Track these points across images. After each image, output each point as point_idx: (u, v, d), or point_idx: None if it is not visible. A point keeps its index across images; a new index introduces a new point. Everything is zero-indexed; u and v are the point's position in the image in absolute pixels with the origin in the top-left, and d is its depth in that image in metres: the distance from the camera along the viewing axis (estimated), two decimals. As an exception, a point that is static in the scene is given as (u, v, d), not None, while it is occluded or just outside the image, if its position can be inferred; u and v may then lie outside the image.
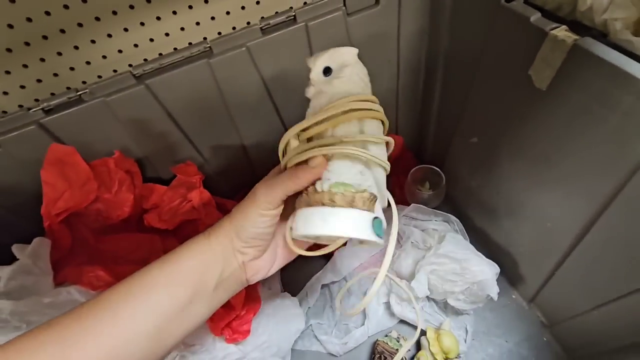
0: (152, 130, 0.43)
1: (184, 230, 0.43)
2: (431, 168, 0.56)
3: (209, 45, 0.40)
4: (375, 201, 0.26)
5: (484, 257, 0.44)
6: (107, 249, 0.41)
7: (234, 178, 0.54)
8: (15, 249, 0.34)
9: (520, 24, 0.32)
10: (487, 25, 0.37)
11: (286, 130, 0.51)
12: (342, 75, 0.27)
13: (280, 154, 0.30)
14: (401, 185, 0.58)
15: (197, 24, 0.54)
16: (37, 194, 0.38)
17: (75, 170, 0.35)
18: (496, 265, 0.43)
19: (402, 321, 0.47)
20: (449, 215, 0.52)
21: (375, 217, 0.26)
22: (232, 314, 0.36)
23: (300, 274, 0.53)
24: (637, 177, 0.27)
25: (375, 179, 0.27)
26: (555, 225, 0.37)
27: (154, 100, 0.41)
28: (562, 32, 0.29)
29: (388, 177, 0.28)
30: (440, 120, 0.54)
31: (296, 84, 0.48)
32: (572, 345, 0.42)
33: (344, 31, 0.44)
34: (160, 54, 0.41)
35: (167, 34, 0.53)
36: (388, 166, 0.28)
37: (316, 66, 0.28)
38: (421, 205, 0.51)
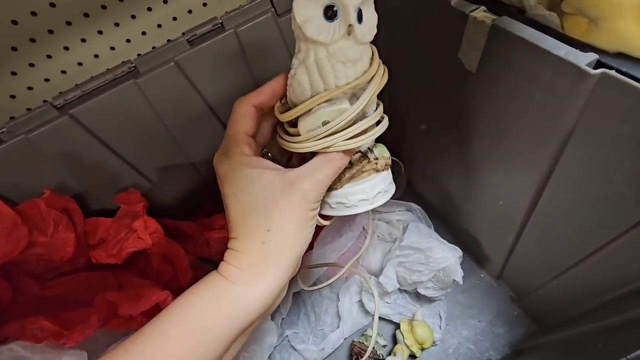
0: (88, 162, 0.40)
1: (137, 262, 0.41)
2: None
3: (133, 64, 0.38)
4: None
5: (446, 243, 0.44)
6: (55, 295, 0.38)
7: (189, 198, 0.52)
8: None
9: (443, 8, 0.32)
10: (415, 11, 0.36)
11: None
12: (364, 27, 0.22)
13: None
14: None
15: (128, 41, 0.51)
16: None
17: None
18: (458, 249, 0.43)
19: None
20: (411, 204, 0.52)
21: None
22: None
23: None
24: (569, 149, 0.27)
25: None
26: (507, 202, 0.37)
27: (83, 130, 0.38)
28: (480, 13, 0.29)
29: None
30: (392, 110, 0.54)
31: (239, 94, 0.47)
32: (540, 315, 0.43)
33: (277, 33, 0.43)
34: (76, 85, 0.39)
35: (96, 56, 0.50)
36: None
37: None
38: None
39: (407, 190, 0.55)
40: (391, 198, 0.52)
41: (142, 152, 0.43)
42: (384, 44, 0.45)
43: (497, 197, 0.38)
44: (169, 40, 0.39)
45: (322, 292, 0.49)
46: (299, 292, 0.50)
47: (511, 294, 0.46)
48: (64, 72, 0.49)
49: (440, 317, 0.46)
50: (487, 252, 0.47)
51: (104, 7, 0.46)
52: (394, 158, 0.56)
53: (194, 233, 0.48)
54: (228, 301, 0.21)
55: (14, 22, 0.42)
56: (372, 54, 0.24)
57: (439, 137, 0.43)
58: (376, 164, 0.26)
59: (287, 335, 0.47)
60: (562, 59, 0.24)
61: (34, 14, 0.43)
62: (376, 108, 0.27)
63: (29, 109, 0.48)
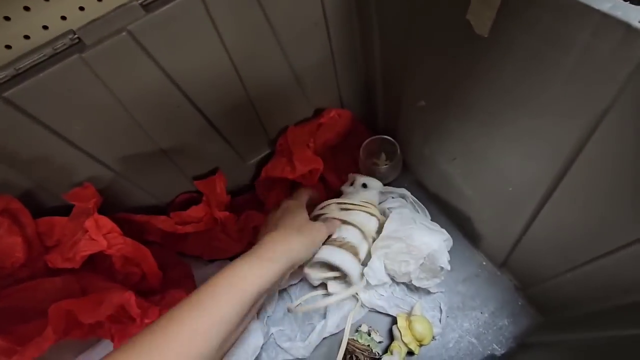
0: (34, 153, 0.35)
1: (102, 263, 0.37)
2: (385, 138, 0.51)
3: (76, 36, 0.32)
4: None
5: (429, 227, 0.41)
6: (10, 304, 0.34)
7: (162, 187, 0.46)
8: None
9: (448, -44, 0.26)
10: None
11: (213, 126, 0.45)
12: (368, 191, 0.46)
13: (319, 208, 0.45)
14: (356, 161, 0.52)
15: (82, 9, 0.44)
16: None
17: None
18: (443, 232, 0.40)
19: (371, 310, 0.44)
20: (401, 189, 0.48)
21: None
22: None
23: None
24: (602, 129, 0.23)
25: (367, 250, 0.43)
26: (517, 189, 0.33)
27: (22, 116, 0.32)
28: (497, -41, 0.23)
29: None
30: (386, 86, 0.48)
31: (210, 67, 0.40)
32: (547, 307, 0.40)
33: (250, -5, 0.36)
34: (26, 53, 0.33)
35: (45, 27, 0.43)
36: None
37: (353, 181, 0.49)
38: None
39: (403, 174, 0.51)
40: (386, 183, 0.48)
41: (100, 139, 0.38)
42: (378, 5, 0.39)
43: (507, 182, 0.34)
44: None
45: (308, 286, 0.46)
46: (286, 289, 0.46)
47: (515, 282, 0.43)
48: (8, 47, 0.42)
49: (441, 310, 0.43)
50: (490, 239, 0.43)
51: (45, -35, 0.38)
52: (388, 137, 0.51)
53: (169, 227, 0.43)
54: (239, 265, 0.32)
55: None
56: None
57: (440, 115, 0.38)
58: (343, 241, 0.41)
59: (272, 334, 0.43)
60: (606, 14, 0.19)
61: (-44, -25, 0.36)
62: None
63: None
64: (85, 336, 0.34)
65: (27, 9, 0.40)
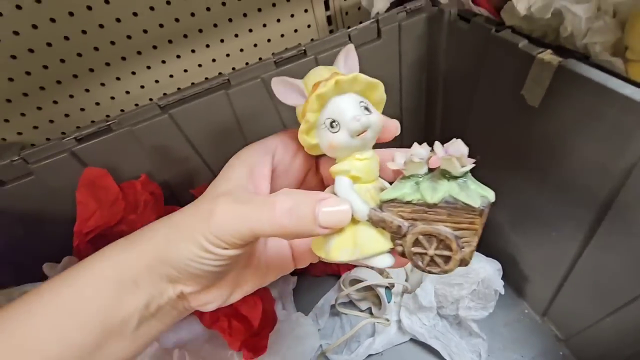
0: (173, 157, 0.46)
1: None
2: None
3: (227, 77, 0.44)
4: None
5: (482, 255, 0.45)
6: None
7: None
8: (46, 267, 0.35)
9: (510, 50, 0.36)
10: (480, 52, 0.41)
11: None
12: None
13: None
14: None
15: (227, 55, 0.59)
16: (64, 218, 0.40)
17: (106, 191, 0.37)
18: (496, 262, 0.44)
19: (413, 340, 0.47)
20: None
21: None
22: (250, 330, 0.37)
23: (312, 294, 0.53)
24: (629, 183, 0.29)
25: None
26: (560, 233, 0.38)
27: (176, 129, 0.44)
28: (547, 55, 0.32)
29: None
30: (445, 140, 0.57)
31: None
32: (588, 357, 0.42)
33: (350, 62, 0.48)
34: (179, 88, 0.46)
35: (199, 65, 0.58)
36: None
37: None
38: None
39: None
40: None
41: (218, 154, 0.49)
42: (445, 76, 0.49)
43: (550, 228, 0.39)
44: (260, 59, 0.45)
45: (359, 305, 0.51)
46: (336, 305, 0.51)
47: (557, 332, 0.46)
48: (171, 76, 0.57)
49: (480, 356, 0.45)
50: (534, 286, 0.47)
51: (215, 25, 0.54)
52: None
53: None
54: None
55: (145, 31, 0.51)
56: None
57: (492, 168, 0.45)
58: None
59: (321, 345, 0.48)
60: (628, 97, 0.26)
61: (161, 26, 0.51)
62: None
63: (122, 110, 0.56)
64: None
65: (193, 51, 0.55)
